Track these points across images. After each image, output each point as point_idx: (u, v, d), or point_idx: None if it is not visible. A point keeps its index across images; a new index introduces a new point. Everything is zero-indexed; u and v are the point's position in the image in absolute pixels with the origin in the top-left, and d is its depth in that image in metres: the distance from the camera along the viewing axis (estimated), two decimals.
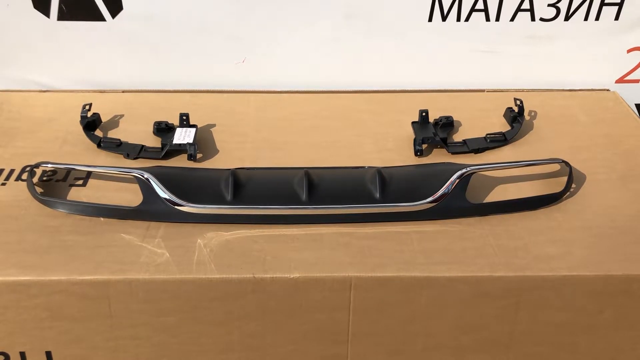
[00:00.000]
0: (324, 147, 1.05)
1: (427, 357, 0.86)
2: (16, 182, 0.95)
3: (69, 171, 0.97)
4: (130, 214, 0.88)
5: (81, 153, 1.02)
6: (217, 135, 1.08)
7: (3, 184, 0.95)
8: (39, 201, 0.91)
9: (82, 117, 1.07)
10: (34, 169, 0.95)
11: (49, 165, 0.95)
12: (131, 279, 0.79)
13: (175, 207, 0.87)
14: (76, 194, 0.93)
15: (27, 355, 0.84)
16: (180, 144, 1.01)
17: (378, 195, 0.88)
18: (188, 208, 0.87)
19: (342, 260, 0.82)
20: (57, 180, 0.96)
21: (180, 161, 1.01)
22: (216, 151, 1.04)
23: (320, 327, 0.83)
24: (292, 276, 0.80)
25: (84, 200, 0.91)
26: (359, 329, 0.84)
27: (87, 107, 1.08)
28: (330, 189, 0.90)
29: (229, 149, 1.04)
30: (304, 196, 0.88)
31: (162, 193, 0.88)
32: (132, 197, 0.91)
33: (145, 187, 0.89)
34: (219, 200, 0.88)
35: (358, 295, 0.81)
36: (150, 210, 0.88)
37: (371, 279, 0.80)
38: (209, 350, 0.85)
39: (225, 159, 1.02)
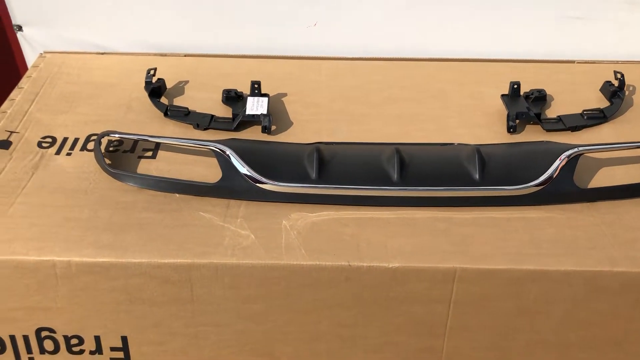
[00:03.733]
0: (405, 121, 0.97)
1: (528, 354, 0.80)
2: (81, 152, 0.89)
3: (136, 141, 0.91)
4: (208, 190, 0.82)
5: (147, 122, 0.96)
6: (289, 105, 1.00)
7: (68, 154, 0.89)
8: (109, 174, 0.84)
9: (146, 82, 0.99)
10: (101, 139, 0.89)
11: (117, 135, 0.89)
12: (217, 264, 0.73)
13: (257, 184, 0.81)
14: (146, 166, 0.87)
15: (101, 339, 0.79)
16: (253, 115, 0.94)
17: (477, 177, 0.81)
18: (270, 186, 0.80)
19: (444, 248, 0.75)
20: (125, 151, 0.89)
21: (254, 133, 0.94)
22: (290, 123, 0.96)
23: (416, 320, 0.77)
24: (390, 266, 0.73)
25: (155, 173, 0.85)
26: (458, 322, 0.77)
27: (152, 72, 1.00)
28: (424, 169, 0.83)
29: (303, 120, 0.97)
30: (395, 176, 0.81)
31: (242, 169, 0.81)
32: (204, 171, 0.85)
33: (225, 162, 0.82)
34: (303, 178, 0.81)
35: (461, 288, 0.74)
36: (229, 187, 0.81)
37: (477, 271, 0.73)
38: (295, 339, 0.79)
39: (300, 132, 0.94)
